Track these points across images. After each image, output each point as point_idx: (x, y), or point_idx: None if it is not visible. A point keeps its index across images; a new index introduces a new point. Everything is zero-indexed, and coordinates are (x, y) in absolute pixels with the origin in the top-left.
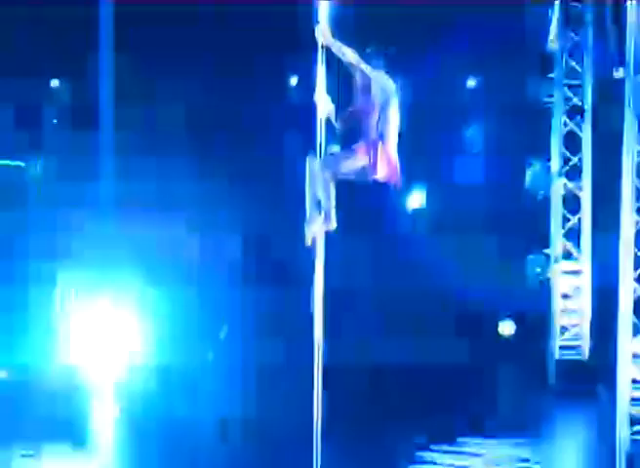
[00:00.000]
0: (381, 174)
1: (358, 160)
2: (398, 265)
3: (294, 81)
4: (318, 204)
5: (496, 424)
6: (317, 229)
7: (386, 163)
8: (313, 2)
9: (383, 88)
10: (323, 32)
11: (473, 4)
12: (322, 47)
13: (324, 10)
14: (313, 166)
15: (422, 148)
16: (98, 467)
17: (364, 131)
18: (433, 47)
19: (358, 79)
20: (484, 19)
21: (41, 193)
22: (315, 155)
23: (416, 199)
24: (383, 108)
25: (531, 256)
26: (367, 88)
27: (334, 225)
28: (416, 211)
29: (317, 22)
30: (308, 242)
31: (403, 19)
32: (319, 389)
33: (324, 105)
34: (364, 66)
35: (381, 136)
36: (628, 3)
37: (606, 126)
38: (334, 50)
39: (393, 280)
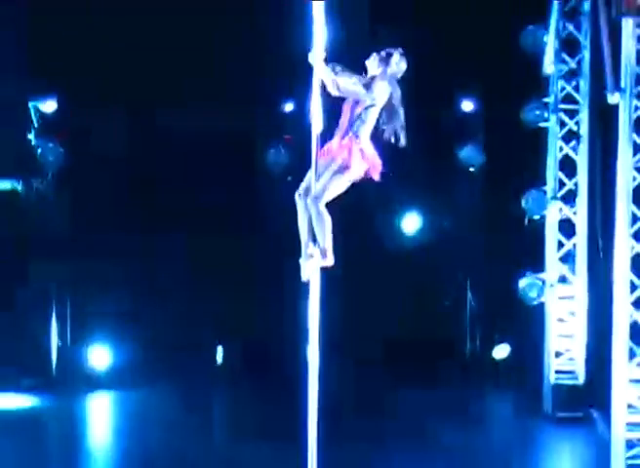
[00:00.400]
0: (356, 169)
1: (333, 160)
2: (388, 288)
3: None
4: (314, 239)
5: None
6: (313, 266)
7: (361, 158)
8: (308, 25)
9: (376, 96)
10: (316, 59)
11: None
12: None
13: (319, 35)
14: (307, 200)
15: (414, 168)
16: None
17: (341, 128)
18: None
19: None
20: (481, 40)
21: None
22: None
23: (409, 221)
24: (366, 109)
25: (526, 281)
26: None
27: (331, 261)
28: (408, 234)
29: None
30: (304, 277)
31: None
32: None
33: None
34: (362, 92)
35: (356, 134)
36: (624, 28)
37: (601, 151)
38: (326, 82)
39: (384, 303)
